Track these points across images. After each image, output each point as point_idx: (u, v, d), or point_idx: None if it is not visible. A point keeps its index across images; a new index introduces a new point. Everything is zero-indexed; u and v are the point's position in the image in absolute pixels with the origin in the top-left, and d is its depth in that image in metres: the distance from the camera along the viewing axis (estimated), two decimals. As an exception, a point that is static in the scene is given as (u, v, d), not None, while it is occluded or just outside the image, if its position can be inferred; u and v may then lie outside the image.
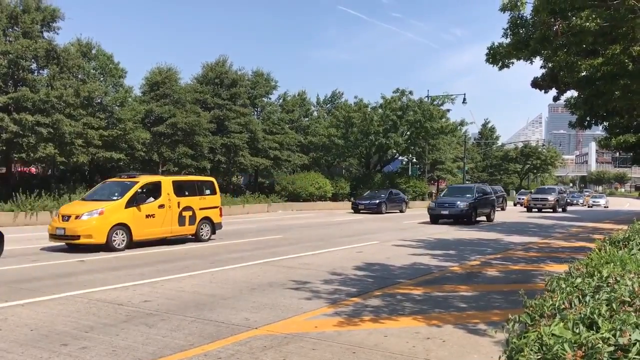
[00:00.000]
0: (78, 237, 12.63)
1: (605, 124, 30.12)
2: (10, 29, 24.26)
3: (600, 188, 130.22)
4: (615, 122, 28.84)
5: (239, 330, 6.01)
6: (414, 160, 50.68)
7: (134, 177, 14.51)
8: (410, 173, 49.66)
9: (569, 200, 49.49)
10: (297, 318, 6.65)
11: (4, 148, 23.37)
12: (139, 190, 13.78)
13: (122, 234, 13.07)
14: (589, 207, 54.83)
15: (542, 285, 4.83)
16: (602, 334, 2.28)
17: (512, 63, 16.40)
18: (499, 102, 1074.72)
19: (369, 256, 12.49)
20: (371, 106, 42.22)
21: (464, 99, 47.04)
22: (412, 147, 43.88)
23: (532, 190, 47.49)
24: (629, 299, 2.82)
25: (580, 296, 3.03)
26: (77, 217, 12.80)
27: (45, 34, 25.37)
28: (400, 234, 18.37)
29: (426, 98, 42.73)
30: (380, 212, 31.63)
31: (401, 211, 34.03)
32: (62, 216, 13.08)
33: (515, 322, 2.81)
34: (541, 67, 21.08)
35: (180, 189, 14.82)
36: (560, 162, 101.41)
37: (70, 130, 23.63)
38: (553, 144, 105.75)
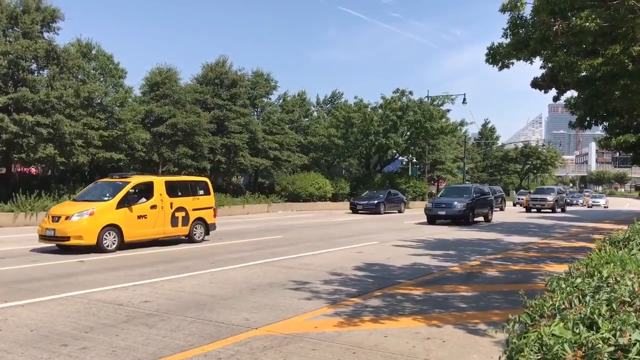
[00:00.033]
0: (68, 238, 12.42)
1: (605, 124, 30.11)
2: (10, 30, 24.27)
3: (600, 188, 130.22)
4: (615, 122, 28.83)
5: (239, 331, 6.01)
6: (414, 160, 50.67)
7: (126, 177, 14.33)
8: (410, 173, 49.66)
9: (568, 201, 49.48)
10: (297, 318, 6.64)
11: (4, 148, 23.37)
12: (131, 191, 13.57)
13: (113, 235, 12.84)
14: (588, 207, 54.85)
15: (542, 286, 4.83)
16: (602, 334, 2.28)
17: (512, 63, 16.41)
18: (499, 102, 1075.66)
19: (368, 256, 12.49)
20: (371, 106, 42.23)
21: (464, 99, 47.06)
22: (412, 148, 43.86)
23: (531, 191, 47.45)
24: (629, 299, 2.82)
25: (580, 296, 3.03)
26: (67, 217, 12.57)
27: (45, 35, 25.40)
28: (400, 234, 18.37)
29: (426, 98, 42.74)
30: (379, 213, 31.55)
31: (400, 211, 33.96)
32: (52, 217, 12.85)
33: (515, 322, 2.81)
34: (541, 67, 21.10)
35: (173, 190, 14.59)
36: (560, 162, 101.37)
37: (70, 131, 23.63)
38: (553, 144, 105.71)
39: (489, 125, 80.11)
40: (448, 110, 43.30)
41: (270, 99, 41.07)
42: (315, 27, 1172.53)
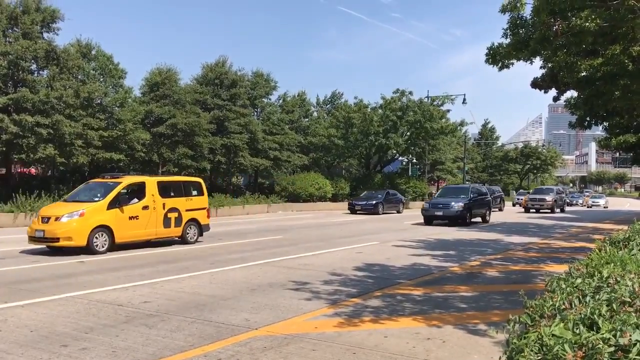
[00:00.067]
0: (57, 239, 12.19)
1: (605, 124, 30.13)
2: (10, 30, 24.29)
3: (600, 188, 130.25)
4: (615, 122, 28.85)
5: (239, 331, 6.01)
6: (414, 160, 50.68)
7: (118, 177, 14.17)
8: (410, 173, 49.66)
9: (568, 201, 49.45)
10: (297, 319, 6.64)
11: (4, 149, 23.37)
12: (122, 191, 13.37)
13: (104, 237, 12.60)
14: (588, 207, 54.87)
15: (542, 286, 4.82)
16: (603, 334, 2.28)
17: (512, 63, 16.42)
18: (499, 103, 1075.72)
19: (368, 257, 12.49)
20: (371, 106, 42.22)
21: (464, 100, 47.10)
22: (412, 148, 43.85)
23: (530, 191, 47.39)
24: (629, 300, 2.82)
25: (580, 296, 3.03)
26: (56, 218, 12.35)
27: (45, 35, 25.42)
28: (399, 235, 18.37)
29: (426, 98, 42.74)
30: (377, 213, 31.48)
31: (398, 212, 33.90)
32: (42, 218, 12.63)
33: (515, 322, 2.81)
34: (541, 67, 21.13)
35: (165, 190, 14.37)
36: (560, 163, 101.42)
37: (70, 131, 23.64)
38: (553, 144, 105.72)
39: (489, 126, 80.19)
40: (448, 111, 43.34)
41: (270, 99, 41.16)
42: (315, 27, 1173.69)
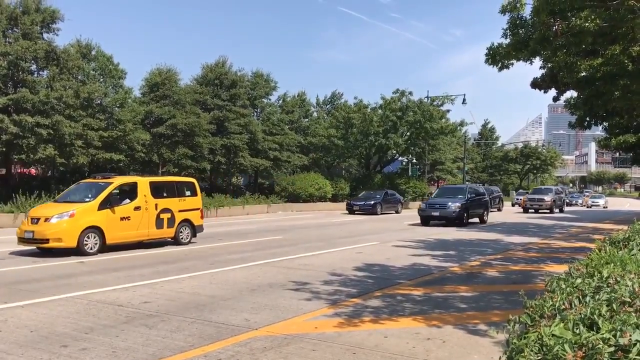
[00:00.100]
0: (47, 240, 12.01)
1: (605, 124, 30.14)
2: (10, 30, 24.29)
3: (600, 188, 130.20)
4: (615, 122, 28.85)
5: (239, 331, 6.01)
6: (414, 160, 50.67)
7: (109, 177, 14.04)
8: (410, 174, 49.64)
9: (568, 201, 49.41)
10: (297, 319, 6.64)
11: (4, 149, 23.37)
12: (114, 192, 13.21)
13: (95, 238, 12.41)
14: (587, 207, 54.86)
15: (542, 286, 4.82)
16: (603, 334, 2.28)
17: (512, 64, 16.44)
18: (499, 103, 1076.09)
19: (368, 257, 12.49)
20: (371, 107, 42.21)
21: (464, 100, 47.07)
22: (412, 148, 43.84)
23: (529, 191, 47.32)
24: (629, 300, 2.82)
25: (580, 297, 3.03)
26: (46, 219, 12.16)
27: (45, 35, 25.42)
28: (399, 235, 18.37)
29: (426, 99, 42.72)
30: (375, 213, 31.38)
31: (397, 212, 33.84)
32: (32, 219, 12.45)
33: (515, 322, 2.81)
34: (541, 67, 21.14)
35: (158, 191, 14.17)
36: (560, 163, 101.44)
37: (70, 132, 23.64)
38: (553, 144, 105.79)
39: (489, 126, 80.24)
40: (448, 111, 43.31)
41: (270, 99, 41.18)
42: (315, 27, 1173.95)
